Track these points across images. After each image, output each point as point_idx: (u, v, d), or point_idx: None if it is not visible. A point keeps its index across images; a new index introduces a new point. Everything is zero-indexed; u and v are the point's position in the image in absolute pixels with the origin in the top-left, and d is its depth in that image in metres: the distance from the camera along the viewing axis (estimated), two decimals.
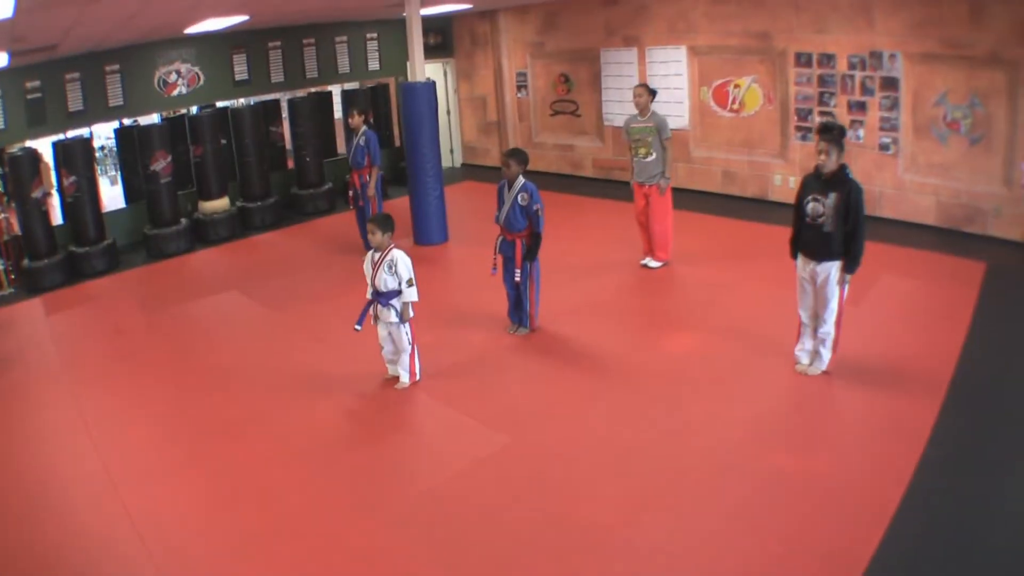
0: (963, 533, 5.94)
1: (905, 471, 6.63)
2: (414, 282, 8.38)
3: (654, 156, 11.66)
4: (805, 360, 8.56)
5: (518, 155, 9.68)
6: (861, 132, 14.00)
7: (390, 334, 8.64)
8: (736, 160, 16.16)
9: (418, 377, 8.79)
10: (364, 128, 13.34)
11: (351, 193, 13.66)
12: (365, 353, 9.23)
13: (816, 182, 7.96)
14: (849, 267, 7.92)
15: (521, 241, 9.65)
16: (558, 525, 6.28)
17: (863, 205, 7.80)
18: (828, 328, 8.21)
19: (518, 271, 9.66)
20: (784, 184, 15.40)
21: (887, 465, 6.78)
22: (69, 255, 14.04)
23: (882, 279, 10.67)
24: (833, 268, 7.98)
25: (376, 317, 8.60)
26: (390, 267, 8.28)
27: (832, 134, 7.77)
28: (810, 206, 7.92)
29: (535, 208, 9.45)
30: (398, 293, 8.37)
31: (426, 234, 14.33)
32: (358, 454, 7.60)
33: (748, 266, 11.84)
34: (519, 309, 10.08)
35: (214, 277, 13.74)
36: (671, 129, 11.85)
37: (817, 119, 14.49)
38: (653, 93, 11.82)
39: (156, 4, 9.93)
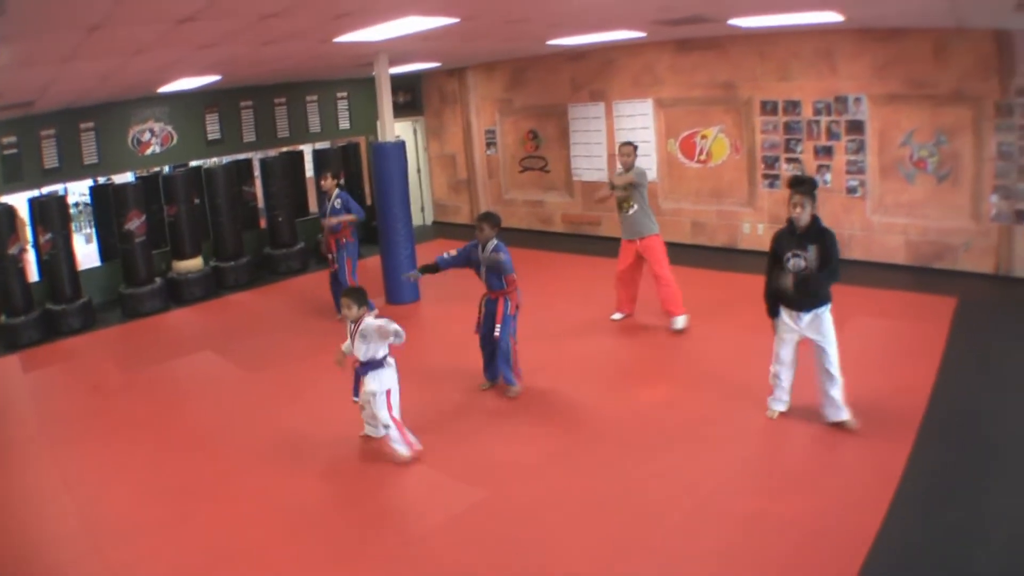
0: (938, 566, 6.01)
1: (880, 507, 6.68)
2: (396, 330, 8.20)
3: (636, 208, 11.58)
4: (782, 408, 8.53)
5: (491, 218, 9.64)
6: (828, 176, 14.21)
7: (369, 402, 8.52)
8: (705, 210, 16.30)
9: (418, 446, 8.46)
10: (337, 191, 13.22)
11: (330, 256, 13.43)
12: (340, 412, 9.16)
13: (791, 237, 7.90)
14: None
15: (503, 299, 9.60)
16: None
17: (838, 250, 7.79)
18: (838, 375, 8.02)
19: (498, 327, 9.60)
20: (753, 232, 15.61)
21: (862, 503, 6.83)
22: (45, 312, 13.99)
23: (852, 321, 10.68)
24: (825, 311, 7.94)
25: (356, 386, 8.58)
26: (364, 337, 8.20)
27: (805, 187, 7.78)
28: (792, 262, 7.83)
29: (500, 257, 9.35)
30: (379, 363, 8.33)
31: (398, 293, 14.32)
32: (335, 512, 7.53)
33: (719, 315, 11.86)
34: (493, 365, 10.02)
35: (189, 337, 13.68)
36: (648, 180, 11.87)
37: (784, 166, 14.78)
38: (636, 148, 11.85)
39: (131, 63, 10.01)
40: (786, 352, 8.27)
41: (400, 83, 20.10)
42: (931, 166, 13.08)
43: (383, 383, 8.31)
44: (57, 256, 14.15)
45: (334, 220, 13.06)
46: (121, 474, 8.58)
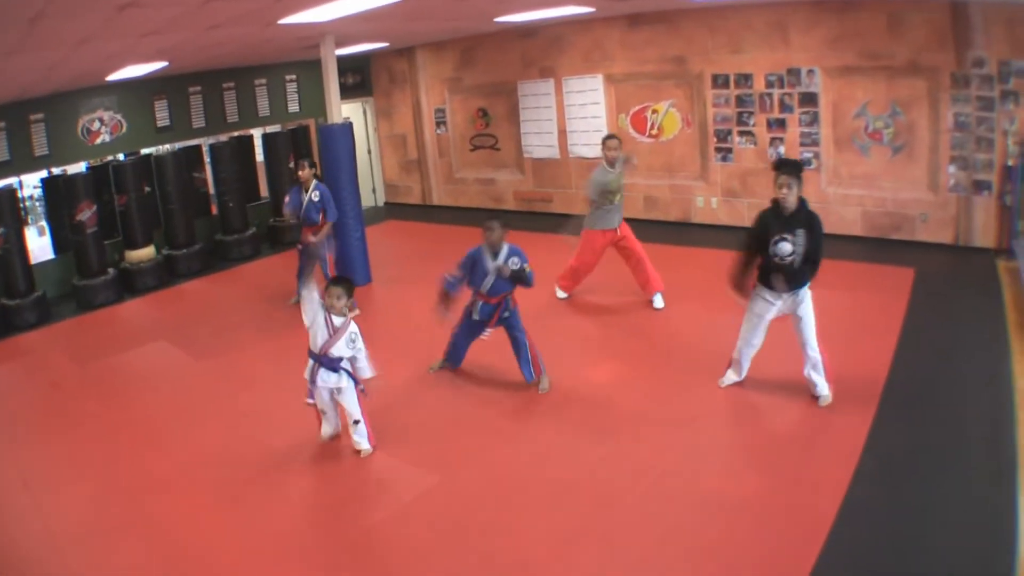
0: (901, 542, 5.97)
1: (840, 484, 6.66)
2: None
3: (620, 196, 11.43)
4: (731, 381, 8.62)
5: (502, 218, 9.09)
6: (782, 149, 14.21)
7: (333, 399, 8.16)
8: (657, 185, 16.22)
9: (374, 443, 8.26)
10: (315, 182, 12.55)
11: (299, 247, 12.84)
12: (293, 400, 8.90)
13: (778, 220, 7.69)
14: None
15: (504, 301, 9.14)
16: (489, 564, 6.19)
17: (823, 237, 7.72)
18: (816, 353, 8.03)
19: (489, 330, 9.28)
20: (706, 206, 15.60)
21: (822, 479, 6.81)
22: (0, 308, 13.82)
23: (810, 293, 10.72)
24: (805, 291, 7.92)
25: (312, 381, 8.04)
26: (352, 340, 7.81)
27: (790, 168, 7.63)
28: (780, 246, 7.64)
29: (528, 269, 8.95)
30: (347, 358, 7.94)
31: (349, 275, 13.96)
32: (290, 502, 7.43)
33: (673, 290, 11.69)
34: (458, 355, 9.79)
35: (143, 327, 13.46)
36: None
37: (736, 139, 14.75)
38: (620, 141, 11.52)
39: (76, 53, 9.85)
40: (756, 335, 8.22)
41: (348, 64, 20.00)
42: (886, 138, 13.11)
43: (350, 375, 8.01)
44: (10, 251, 13.90)
45: (317, 237, 12.44)
46: (80, 471, 8.44)
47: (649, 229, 15.11)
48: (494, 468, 7.63)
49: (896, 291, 10.98)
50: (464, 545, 6.46)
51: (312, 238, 12.43)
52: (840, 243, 12.92)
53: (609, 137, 11.38)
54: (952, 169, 12.58)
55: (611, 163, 11.24)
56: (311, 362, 7.96)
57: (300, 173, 12.52)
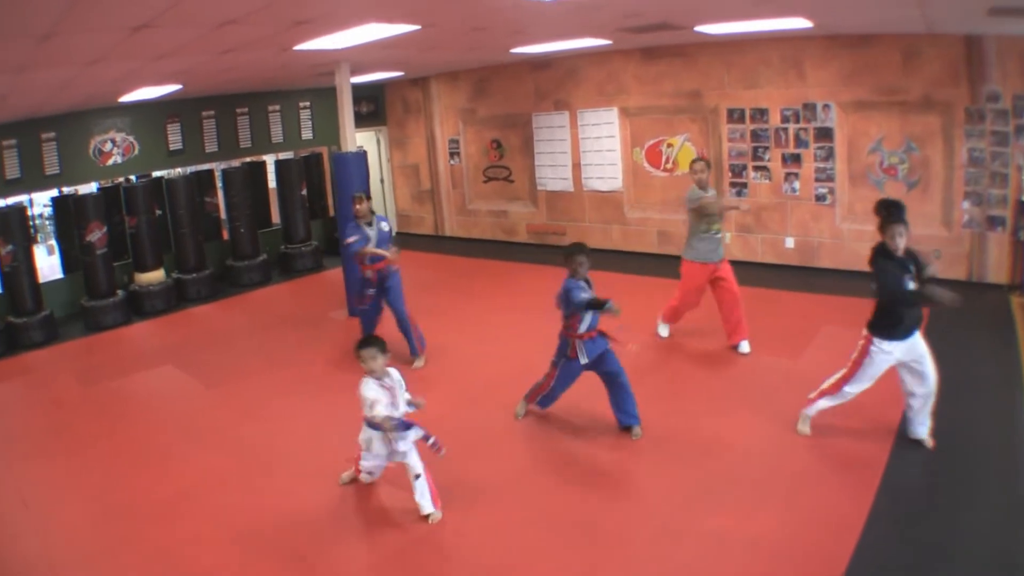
0: None
1: (855, 523, 6.57)
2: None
3: (722, 232, 10.86)
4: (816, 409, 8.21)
5: (585, 250, 8.41)
6: (796, 184, 14.15)
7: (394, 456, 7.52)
8: (671, 219, 16.12)
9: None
10: (376, 214, 11.50)
11: (369, 292, 11.52)
12: (299, 430, 9.00)
13: (898, 263, 7.51)
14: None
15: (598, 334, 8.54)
16: None
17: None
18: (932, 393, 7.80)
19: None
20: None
21: (836, 517, 6.71)
22: (7, 325, 13.81)
23: (823, 330, 10.60)
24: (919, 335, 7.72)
25: (368, 449, 7.50)
26: (403, 387, 7.38)
27: (901, 215, 7.43)
28: (912, 286, 7.52)
29: (561, 301, 8.43)
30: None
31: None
32: (292, 534, 7.27)
33: (688, 326, 11.62)
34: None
35: (150, 351, 13.41)
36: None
37: (751, 174, 14.69)
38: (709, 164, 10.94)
39: (87, 73, 9.83)
40: (863, 386, 7.91)
41: (363, 92, 20.07)
42: (901, 173, 13.10)
43: (413, 435, 7.44)
44: (18, 268, 13.94)
45: (372, 252, 11.12)
46: (80, 492, 8.39)
47: (663, 264, 15.06)
48: (505, 505, 7.52)
49: None
50: None
51: (390, 259, 11.28)
52: (854, 279, 12.85)
53: (695, 160, 10.74)
54: (966, 205, 12.57)
55: (701, 186, 10.62)
56: (366, 428, 7.44)
57: (357, 207, 11.36)
